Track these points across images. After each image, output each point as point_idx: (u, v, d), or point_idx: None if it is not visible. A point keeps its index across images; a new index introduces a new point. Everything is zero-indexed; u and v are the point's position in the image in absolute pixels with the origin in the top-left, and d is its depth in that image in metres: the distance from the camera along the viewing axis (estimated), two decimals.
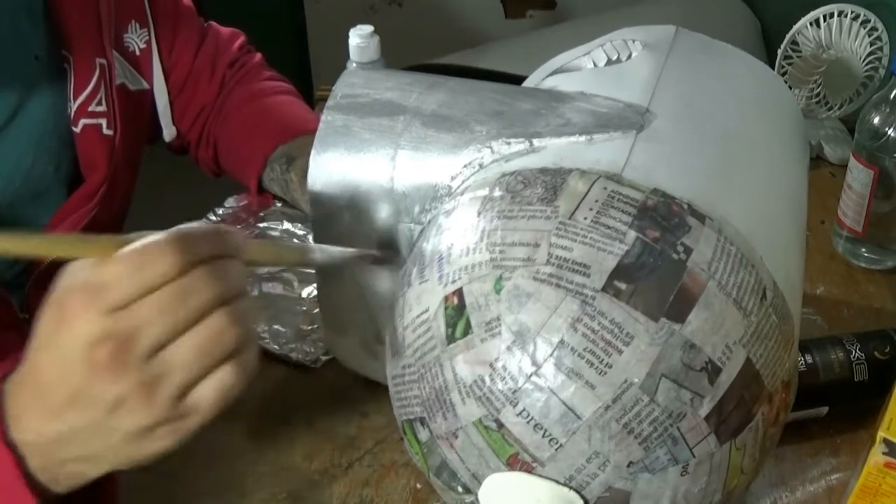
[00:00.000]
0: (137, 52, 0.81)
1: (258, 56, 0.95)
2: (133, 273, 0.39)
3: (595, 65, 0.59)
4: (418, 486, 0.63)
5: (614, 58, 0.59)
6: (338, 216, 0.57)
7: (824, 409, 0.65)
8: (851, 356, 0.65)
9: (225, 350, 0.41)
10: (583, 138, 0.51)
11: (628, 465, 0.45)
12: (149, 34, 0.82)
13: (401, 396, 0.51)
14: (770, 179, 0.54)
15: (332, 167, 0.56)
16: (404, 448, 0.65)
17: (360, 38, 0.94)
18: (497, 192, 0.49)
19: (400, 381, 0.50)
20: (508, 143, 0.52)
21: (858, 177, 0.82)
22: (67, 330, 0.40)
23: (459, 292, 0.47)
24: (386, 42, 0.96)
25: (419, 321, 0.49)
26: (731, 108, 0.56)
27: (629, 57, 0.58)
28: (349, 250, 0.55)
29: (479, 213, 0.49)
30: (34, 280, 0.73)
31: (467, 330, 0.46)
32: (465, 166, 0.53)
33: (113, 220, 0.81)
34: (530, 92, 0.57)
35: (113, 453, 0.43)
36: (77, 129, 0.74)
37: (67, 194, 0.75)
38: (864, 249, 0.84)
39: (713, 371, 0.44)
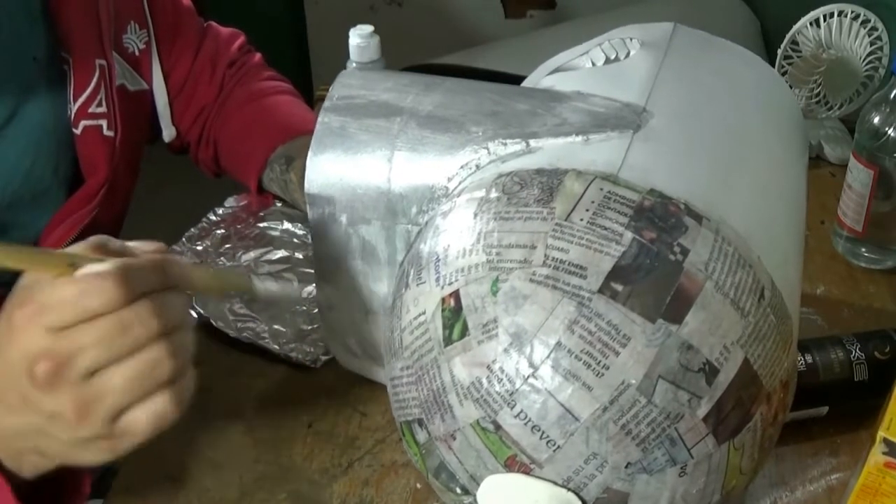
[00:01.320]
0: (137, 53, 0.81)
1: (258, 56, 0.96)
2: (78, 299, 0.41)
3: (593, 64, 0.59)
4: (418, 486, 0.63)
5: (612, 57, 0.58)
6: (335, 218, 0.57)
7: (824, 409, 0.65)
8: (851, 356, 0.64)
9: (159, 380, 0.43)
10: (579, 138, 0.51)
11: (626, 467, 0.44)
12: (148, 35, 0.82)
13: (399, 398, 0.51)
14: (769, 178, 0.54)
15: (328, 169, 0.56)
16: (404, 448, 0.65)
17: (360, 38, 0.94)
18: (493, 194, 0.49)
19: (398, 383, 0.50)
20: (505, 144, 0.52)
21: (858, 177, 0.82)
22: (14, 342, 0.42)
23: (456, 294, 0.47)
24: (386, 42, 0.96)
25: (416, 323, 0.49)
26: (730, 105, 0.56)
27: (627, 55, 0.58)
28: (289, 287, 0.56)
29: (475, 215, 0.49)
30: None
31: (464, 332, 0.46)
32: (461, 167, 0.53)
33: (113, 220, 0.81)
34: (527, 92, 0.57)
35: (58, 453, 0.46)
36: (77, 131, 0.74)
37: (67, 195, 0.75)
38: (864, 249, 0.84)
39: (711, 372, 0.44)
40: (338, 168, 0.56)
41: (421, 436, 0.49)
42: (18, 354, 0.42)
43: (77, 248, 0.45)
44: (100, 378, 0.42)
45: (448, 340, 0.47)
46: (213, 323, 0.75)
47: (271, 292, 0.55)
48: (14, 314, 0.43)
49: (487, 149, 0.52)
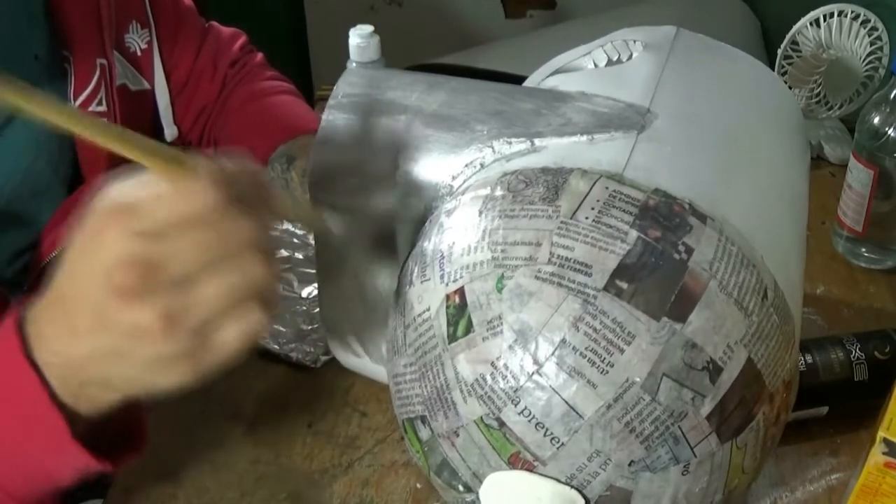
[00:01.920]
0: (139, 53, 0.81)
1: (259, 56, 0.96)
2: (174, 201, 0.38)
3: (595, 65, 0.59)
4: (418, 486, 0.63)
5: (615, 58, 0.59)
6: (339, 217, 0.56)
7: (824, 409, 0.65)
8: (851, 356, 0.65)
9: (253, 292, 0.40)
10: (584, 138, 0.51)
11: (630, 464, 0.45)
12: (150, 34, 0.82)
13: (402, 395, 0.51)
14: (771, 179, 0.54)
15: (333, 167, 0.56)
16: (404, 448, 0.65)
17: (360, 38, 0.94)
18: (498, 192, 0.49)
19: (401, 380, 0.50)
20: (510, 143, 0.52)
21: (858, 177, 0.82)
22: (96, 248, 0.39)
23: (461, 291, 0.47)
24: (386, 42, 0.96)
25: (420, 320, 0.49)
26: (732, 108, 0.56)
27: (630, 57, 0.58)
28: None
29: (480, 213, 0.49)
30: (33, 279, 0.73)
31: (469, 328, 0.46)
32: (466, 166, 0.53)
33: None
34: (531, 92, 0.57)
35: (129, 381, 0.42)
36: None
37: (67, 194, 0.75)
38: (864, 249, 0.84)
39: (714, 371, 0.44)
40: (342, 166, 0.56)
41: (423, 433, 0.49)
42: (101, 264, 0.39)
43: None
44: (192, 287, 0.39)
45: (452, 337, 0.47)
46: None
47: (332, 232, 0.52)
48: (97, 221, 0.39)
49: (492, 147, 0.52)
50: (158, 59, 0.83)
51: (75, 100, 0.73)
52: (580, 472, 0.45)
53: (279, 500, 0.62)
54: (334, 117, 0.56)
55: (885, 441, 0.52)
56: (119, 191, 0.40)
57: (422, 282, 0.49)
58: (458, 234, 0.49)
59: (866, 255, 0.84)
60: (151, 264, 0.38)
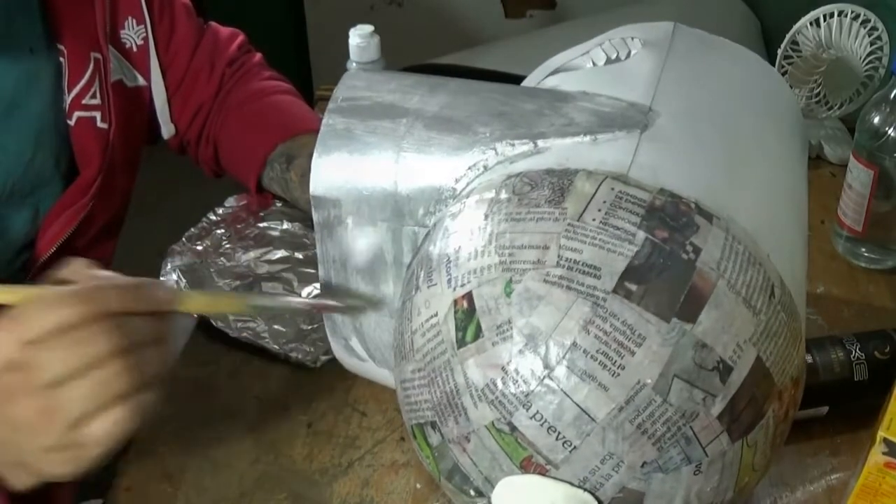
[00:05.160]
0: (135, 49, 0.81)
1: (258, 56, 0.95)
2: (46, 314, 0.45)
3: (594, 64, 0.59)
4: (418, 486, 0.63)
5: (613, 56, 0.58)
6: (340, 220, 0.56)
7: (824, 409, 0.65)
8: (851, 356, 0.64)
9: (115, 394, 0.46)
10: (587, 138, 0.51)
11: (642, 466, 0.45)
12: (146, 30, 0.82)
13: (410, 401, 0.51)
14: (772, 176, 0.54)
15: (334, 171, 0.56)
16: (404, 448, 0.65)
17: (360, 38, 0.94)
18: (504, 195, 0.49)
19: (409, 386, 0.50)
20: (513, 145, 0.52)
21: (858, 177, 0.82)
22: None
23: (469, 296, 0.47)
24: (386, 42, 0.96)
25: (428, 325, 0.48)
26: (732, 104, 0.56)
27: (628, 55, 0.58)
28: (282, 299, 0.58)
29: (486, 216, 0.49)
30: (31, 277, 0.73)
31: (478, 333, 0.46)
32: (469, 168, 0.53)
33: (112, 218, 0.81)
34: (532, 92, 0.57)
35: (25, 468, 0.49)
36: (71, 122, 0.74)
37: (65, 187, 0.75)
38: (864, 249, 0.84)
39: (725, 370, 0.44)
40: (344, 170, 0.55)
41: (434, 438, 0.49)
42: None
43: (62, 273, 0.49)
44: (61, 388, 0.45)
45: (461, 342, 0.47)
46: (214, 323, 0.75)
47: (266, 307, 0.56)
48: (0, 327, 0.46)
49: (495, 149, 0.52)
50: (154, 56, 0.83)
51: (69, 92, 0.73)
52: (593, 474, 0.45)
53: (279, 500, 0.62)
54: (334, 121, 0.56)
55: (885, 441, 0.52)
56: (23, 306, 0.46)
57: (428, 287, 0.49)
58: (464, 239, 0.49)
59: (866, 255, 0.84)
60: (27, 367, 0.45)
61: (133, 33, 0.81)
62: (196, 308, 0.53)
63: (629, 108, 0.52)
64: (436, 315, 0.48)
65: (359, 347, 0.61)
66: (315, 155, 0.56)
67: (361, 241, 0.57)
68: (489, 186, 0.50)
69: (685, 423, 0.44)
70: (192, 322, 0.73)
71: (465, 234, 0.49)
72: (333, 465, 0.65)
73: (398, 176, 0.54)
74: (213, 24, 0.93)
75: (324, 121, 0.56)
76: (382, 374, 0.62)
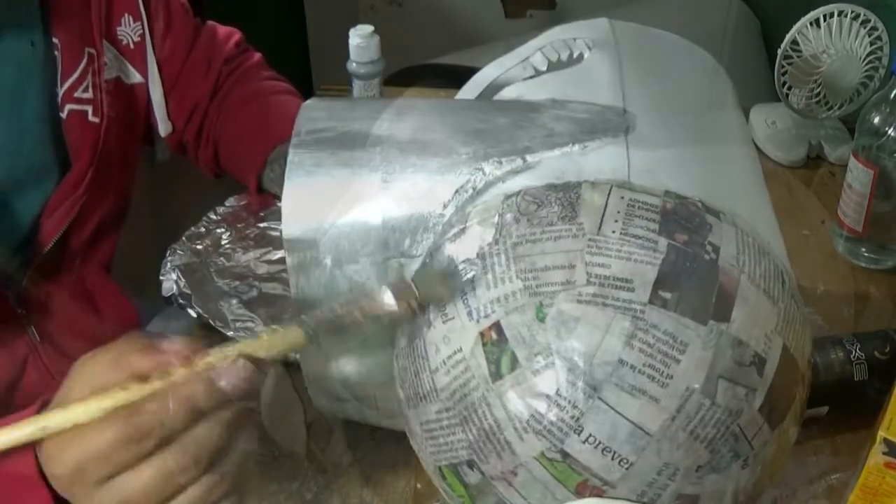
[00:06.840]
0: (132, 46, 0.81)
1: (257, 56, 0.95)
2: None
3: (536, 70, 0.57)
4: (418, 486, 0.63)
5: (554, 59, 0.57)
6: (318, 261, 0.52)
7: (824, 409, 0.65)
8: (851, 356, 0.65)
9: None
10: (576, 148, 0.50)
11: (696, 470, 0.45)
12: (142, 27, 0.82)
13: (439, 442, 0.48)
14: (738, 165, 0.55)
15: (308, 210, 0.51)
16: (404, 448, 0.65)
17: (360, 38, 0.94)
18: (509, 217, 0.47)
19: (436, 427, 0.48)
20: (500, 163, 0.50)
21: (858, 177, 0.82)
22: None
23: (497, 326, 0.45)
24: (386, 42, 0.95)
25: (452, 362, 0.46)
26: (685, 96, 0.56)
27: (571, 57, 0.57)
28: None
29: (496, 241, 0.47)
30: (31, 275, 0.73)
31: (514, 364, 0.44)
32: (456, 192, 0.50)
33: (110, 217, 0.81)
34: (502, 105, 0.55)
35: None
36: (63, 115, 0.74)
37: (62, 176, 0.75)
38: (864, 249, 0.84)
39: (760, 363, 0.45)
40: (319, 208, 0.51)
41: (472, 477, 0.47)
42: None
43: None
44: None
45: (496, 375, 0.45)
46: (213, 323, 0.75)
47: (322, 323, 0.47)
48: None
49: (482, 170, 0.50)
50: (151, 53, 0.83)
51: (62, 85, 0.73)
52: (650, 487, 0.44)
53: (279, 501, 0.62)
54: (301, 158, 0.52)
55: (885, 441, 0.52)
56: None
57: (444, 322, 0.47)
58: (476, 267, 0.47)
59: (866, 255, 0.84)
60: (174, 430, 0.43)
61: (129, 30, 0.81)
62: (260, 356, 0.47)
63: (605, 112, 0.51)
64: (460, 350, 0.46)
65: (344, 391, 0.58)
66: (284, 196, 0.51)
67: (341, 279, 0.52)
68: (488, 209, 0.48)
69: (732, 421, 0.44)
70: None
71: (477, 263, 0.47)
72: (333, 465, 0.65)
73: (380, 207, 0.51)
74: (210, 22, 0.93)
75: (289, 158, 0.52)
76: (373, 415, 0.60)
